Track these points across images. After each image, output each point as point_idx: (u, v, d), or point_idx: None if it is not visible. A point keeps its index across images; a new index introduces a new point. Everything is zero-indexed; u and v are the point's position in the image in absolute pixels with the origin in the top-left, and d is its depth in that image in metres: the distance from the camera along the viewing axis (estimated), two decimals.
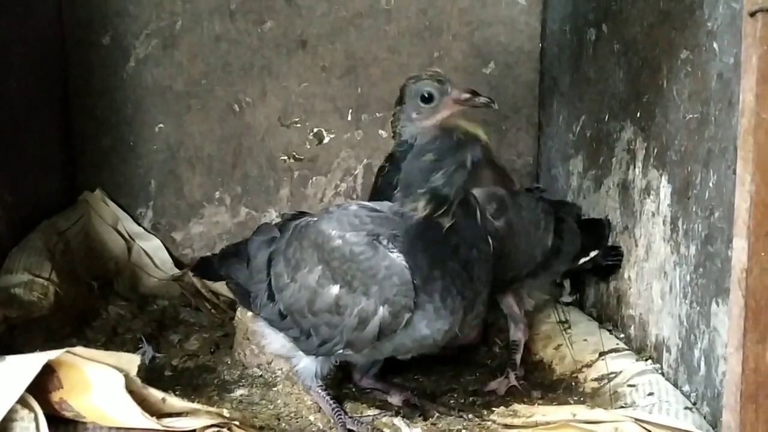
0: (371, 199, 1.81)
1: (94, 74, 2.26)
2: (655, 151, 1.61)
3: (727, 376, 1.19)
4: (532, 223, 1.72)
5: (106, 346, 1.81)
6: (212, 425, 1.14)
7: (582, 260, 1.83)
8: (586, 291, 2.01)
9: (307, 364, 1.50)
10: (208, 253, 2.07)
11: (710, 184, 1.36)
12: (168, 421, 1.13)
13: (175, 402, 1.16)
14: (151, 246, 2.30)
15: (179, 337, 1.97)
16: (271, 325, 1.54)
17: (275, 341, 1.57)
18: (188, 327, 2.05)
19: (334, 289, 1.38)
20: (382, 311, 1.34)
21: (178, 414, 1.18)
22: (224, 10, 2.27)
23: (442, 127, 1.42)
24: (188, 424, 1.13)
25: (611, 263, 1.82)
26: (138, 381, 1.14)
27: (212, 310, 2.16)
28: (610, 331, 1.82)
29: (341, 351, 1.43)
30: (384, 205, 1.46)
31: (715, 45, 1.34)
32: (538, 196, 1.88)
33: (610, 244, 1.85)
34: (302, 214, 1.67)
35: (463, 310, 1.37)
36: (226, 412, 1.19)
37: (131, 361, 1.14)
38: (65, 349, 1.14)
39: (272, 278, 1.53)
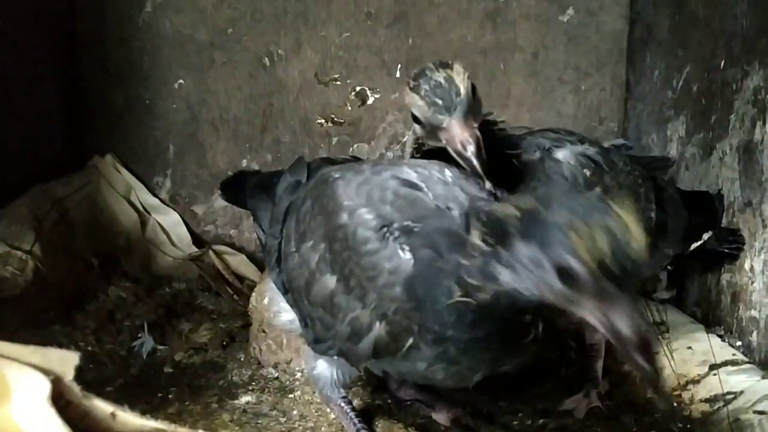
0: None
1: (105, 21, 1.97)
2: None
3: None
4: (632, 189, 1.30)
5: (97, 335, 1.53)
6: None
7: (694, 244, 1.42)
8: (687, 285, 1.61)
9: (323, 369, 1.17)
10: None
11: None
12: None
13: (129, 419, 0.84)
14: (169, 220, 2.02)
15: (190, 326, 1.66)
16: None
17: (285, 313, 1.23)
18: (203, 315, 1.76)
19: (331, 281, 1.04)
20: (379, 329, 0.99)
21: None
22: None
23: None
24: None
25: (728, 252, 1.41)
26: (76, 388, 0.82)
27: (234, 296, 1.86)
28: (721, 337, 1.43)
29: (336, 357, 1.10)
30: (437, 178, 1.05)
31: None
32: (625, 155, 1.47)
33: (725, 225, 1.45)
34: (354, 159, 1.33)
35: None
36: None
37: (66, 361, 0.82)
38: None
39: (283, 238, 1.20)
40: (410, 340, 0.98)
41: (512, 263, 0.85)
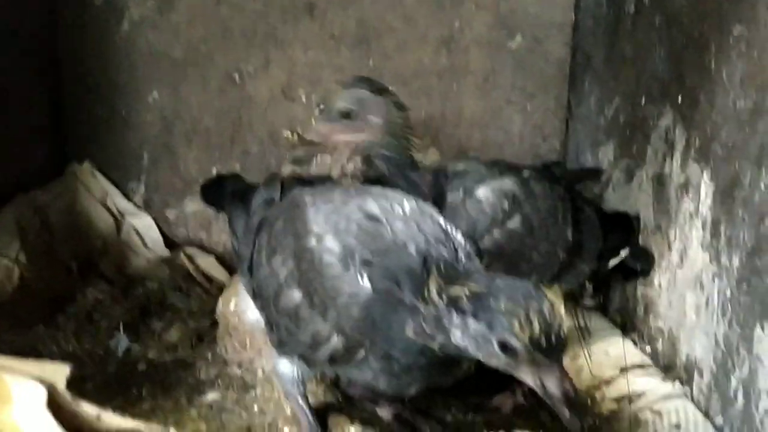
0: None
1: (85, 37, 2.09)
2: (697, 142, 1.39)
3: None
4: (550, 213, 1.50)
5: (77, 335, 1.68)
6: None
7: (612, 261, 1.61)
8: (611, 294, 1.81)
9: (286, 368, 1.33)
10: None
11: (762, 186, 1.15)
12: None
13: (112, 420, 1.00)
14: (142, 224, 2.15)
15: (162, 325, 1.81)
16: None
17: (252, 311, 1.41)
18: (174, 313, 1.90)
19: (297, 295, 1.20)
20: (336, 341, 1.15)
21: None
22: None
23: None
24: None
25: (641, 269, 1.60)
26: (67, 395, 0.98)
27: (203, 295, 2.01)
28: (635, 342, 1.63)
29: (297, 360, 1.28)
30: (398, 213, 1.21)
31: None
32: (555, 174, 1.65)
33: (640, 244, 1.64)
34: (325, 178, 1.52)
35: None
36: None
37: (58, 372, 0.98)
38: None
39: (255, 250, 1.36)
40: (362, 353, 1.14)
41: (464, 330, 1.03)
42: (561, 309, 1.01)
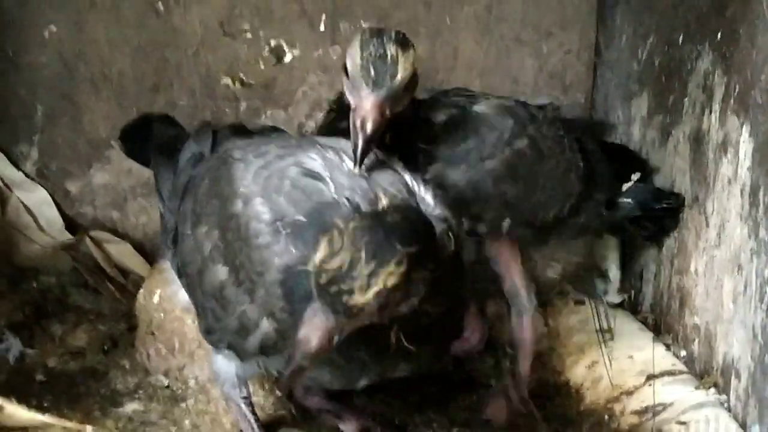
0: None
1: None
2: (737, 89, 1.61)
3: None
4: (556, 140, 1.77)
5: None
6: None
7: (625, 185, 1.91)
8: (643, 288, 2.04)
9: (224, 364, 1.55)
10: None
11: None
12: None
13: (16, 412, 1.21)
14: (35, 199, 2.31)
15: (63, 329, 2.03)
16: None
17: (183, 291, 1.59)
18: (79, 315, 2.11)
19: (222, 272, 1.40)
20: (266, 325, 1.34)
21: (25, 428, 1.23)
22: None
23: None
24: None
25: (666, 207, 1.87)
26: None
27: (117, 294, 2.21)
28: (668, 346, 1.86)
29: (226, 351, 1.48)
30: (346, 168, 1.40)
31: None
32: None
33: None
34: (273, 129, 1.81)
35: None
36: (89, 430, 1.24)
37: None
38: None
39: (180, 218, 1.57)
40: None
41: None
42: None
